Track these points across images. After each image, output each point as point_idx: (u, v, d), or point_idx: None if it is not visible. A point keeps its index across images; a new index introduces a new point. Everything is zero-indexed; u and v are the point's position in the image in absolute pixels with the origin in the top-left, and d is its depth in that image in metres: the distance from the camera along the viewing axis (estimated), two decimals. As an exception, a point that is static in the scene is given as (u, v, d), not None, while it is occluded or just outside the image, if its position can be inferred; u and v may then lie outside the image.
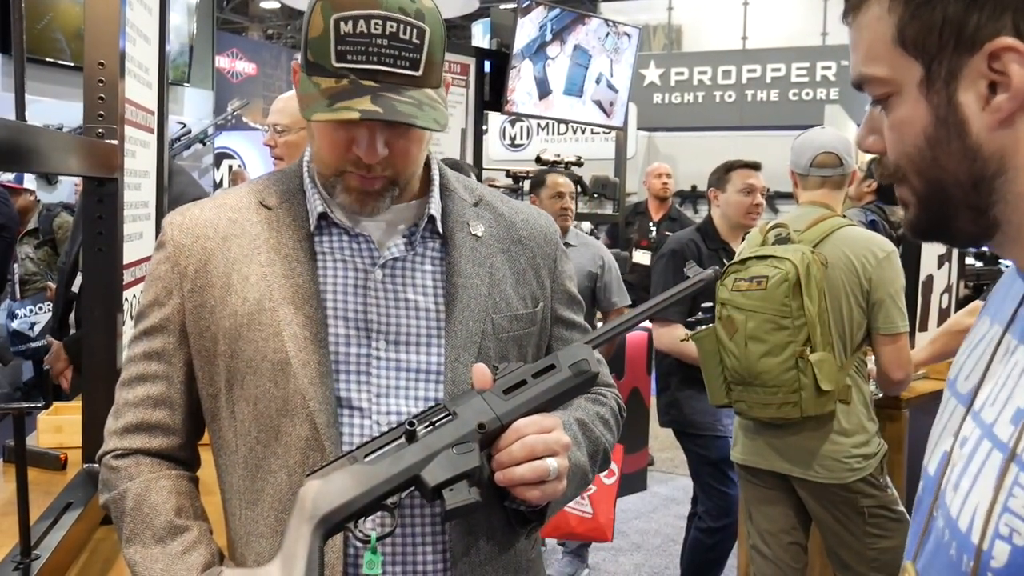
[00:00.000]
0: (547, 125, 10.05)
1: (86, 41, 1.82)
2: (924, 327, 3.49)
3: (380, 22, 1.03)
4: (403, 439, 1.04)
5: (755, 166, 3.45)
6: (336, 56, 1.05)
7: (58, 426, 2.09)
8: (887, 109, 0.77)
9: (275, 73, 12.13)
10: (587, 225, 7.21)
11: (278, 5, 16.17)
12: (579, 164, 5.82)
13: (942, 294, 3.67)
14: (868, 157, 4.99)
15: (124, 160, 1.87)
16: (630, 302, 4.05)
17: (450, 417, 1.05)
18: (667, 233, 5.86)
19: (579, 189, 5.80)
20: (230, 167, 9.60)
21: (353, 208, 1.14)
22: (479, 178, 4.77)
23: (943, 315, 3.66)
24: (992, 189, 0.73)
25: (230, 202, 1.20)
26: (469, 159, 5.09)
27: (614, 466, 3.44)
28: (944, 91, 0.73)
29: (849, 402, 2.54)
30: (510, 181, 5.88)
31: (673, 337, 3.24)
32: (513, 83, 5.29)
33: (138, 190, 2.08)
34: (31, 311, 4.09)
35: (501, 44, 5.44)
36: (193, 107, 8.66)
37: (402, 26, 1.04)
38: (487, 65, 5.30)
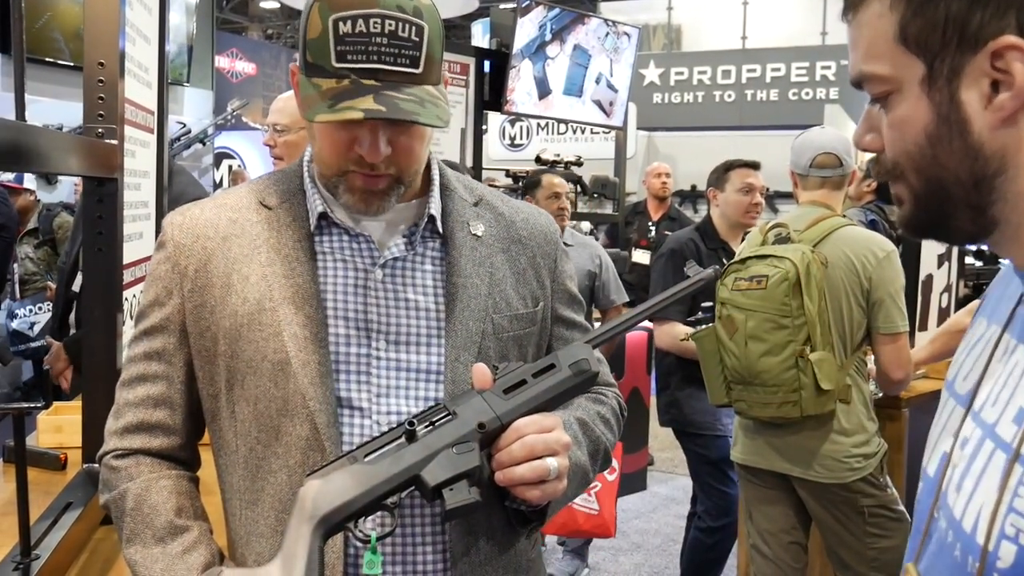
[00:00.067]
0: (547, 125, 10.05)
1: (86, 41, 1.82)
2: (924, 327, 3.49)
3: (379, 21, 1.03)
4: (403, 439, 1.04)
5: (754, 165, 3.45)
6: (336, 56, 1.05)
7: (58, 426, 2.09)
8: (886, 107, 0.77)
9: (275, 73, 12.12)
10: (587, 225, 7.21)
11: (278, 5, 16.17)
12: (579, 164, 5.82)
13: (942, 293, 3.67)
14: (868, 157, 4.99)
15: (124, 160, 1.87)
16: (627, 299, 4.06)
17: (450, 417, 1.05)
18: (666, 233, 5.85)
19: (579, 189, 5.81)
20: (230, 167, 9.60)
21: (358, 208, 1.14)
22: (477, 179, 4.77)
23: (943, 314, 3.66)
24: (992, 188, 0.73)
25: (230, 202, 1.20)
26: (469, 159, 5.09)
27: (614, 462, 3.45)
28: (946, 89, 0.72)
29: (849, 402, 2.54)
30: (510, 181, 5.88)
31: (674, 335, 3.24)
32: (513, 83, 5.29)
33: (138, 190, 2.08)
34: (31, 311, 4.09)
35: (501, 44, 5.44)
36: (193, 107, 8.65)
37: (401, 24, 1.04)
38: (487, 65, 5.30)
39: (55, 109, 5.66)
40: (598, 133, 8.81)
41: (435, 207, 1.19)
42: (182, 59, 8.40)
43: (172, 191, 2.70)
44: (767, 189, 3.66)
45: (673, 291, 1.17)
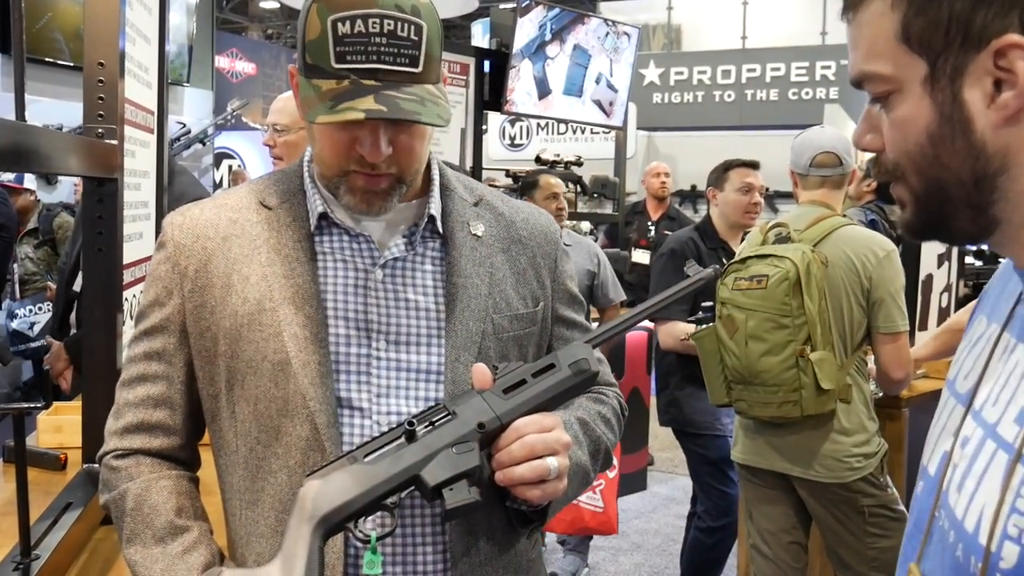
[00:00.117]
0: (547, 125, 10.05)
1: (86, 41, 1.82)
2: (924, 326, 3.49)
3: (378, 20, 1.03)
4: (403, 439, 1.04)
5: (753, 165, 3.44)
6: (336, 57, 1.04)
7: (58, 426, 2.09)
8: (887, 107, 0.76)
9: (275, 73, 12.12)
10: (587, 225, 7.20)
11: (278, 5, 16.17)
12: (579, 164, 5.82)
13: (942, 293, 3.67)
14: (867, 156, 4.99)
15: (124, 160, 1.87)
16: (625, 297, 4.08)
17: (450, 417, 1.05)
18: (666, 232, 5.85)
19: (579, 189, 5.80)
20: (230, 167, 9.60)
21: (360, 209, 1.14)
22: (477, 179, 4.77)
23: (943, 314, 3.66)
24: (994, 187, 0.73)
25: (230, 202, 1.20)
26: (469, 159, 5.09)
27: (614, 459, 3.48)
28: (949, 88, 0.72)
29: (849, 401, 2.54)
30: (510, 181, 5.87)
31: (675, 335, 3.24)
32: (513, 83, 5.29)
33: (138, 190, 2.07)
34: (31, 311, 4.09)
35: (501, 44, 5.44)
36: (193, 107, 8.65)
37: (399, 23, 1.04)
38: (487, 65, 5.29)
39: (55, 109, 5.66)
40: (598, 133, 8.81)
41: (435, 207, 1.19)
42: (182, 59, 8.40)
43: (173, 191, 2.70)
44: (767, 189, 3.66)
45: (673, 291, 1.17)
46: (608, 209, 6.30)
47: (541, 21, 5.39)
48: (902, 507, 2.57)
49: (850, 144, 2.72)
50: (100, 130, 1.82)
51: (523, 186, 4.05)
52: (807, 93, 12.09)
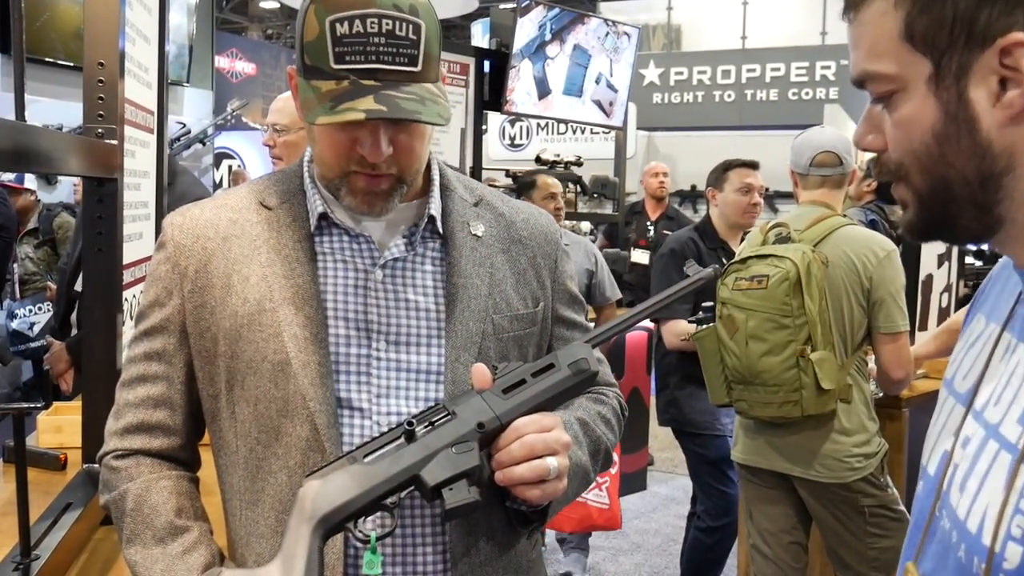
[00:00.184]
0: (547, 125, 10.04)
1: (86, 41, 1.82)
2: (924, 326, 3.49)
3: (376, 20, 1.03)
4: (402, 439, 1.04)
5: (753, 165, 3.44)
6: (334, 58, 1.04)
7: (58, 426, 2.09)
8: (890, 106, 0.76)
9: (275, 73, 12.11)
10: (587, 225, 7.20)
11: (277, 5, 16.17)
12: (579, 164, 5.81)
13: (942, 293, 3.68)
14: (868, 156, 4.99)
15: (124, 160, 1.87)
16: (620, 296, 4.09)
17: (449, 417, 1.05)
18: (665, 232, 5.85)
19: (579, 189, 5.80)
20: (230, 167, 9.59)
21: (361, 210, 1.14)
22: (477, 179, 4.78)
23: (943, 314, 3.66)
24: (999, 186, 0.72)
25: (230, 202, 1.20)
26: (469, 159, 5.09)
27: (614, 455, 3.53)
28: (954, 87, 0.71)
29: (850, 401, 2.54)
30: (510, 181, 5.87)
31: (677, 334, 3.24)
32: (513, 83, 5.28)
33: (138, 190, 2.07)
34: (31, 311, 4.09)
35: (500, 44, 5.43)
36: (193, 107, 8.65)
37: (398, 23, 1.04)
38: (487, 65, 5.29)
39: (55, 109, 5.66)
40: (598, 133, 8.81)
41: (435, 207, 1.19)
42: (182, 60, 8.39)
43: (175, 191, 2.71)
44: (766, 189, 3.66)
45: (672, 290, 1.16)
46: (608, 209, 6.30)
47: (541, 21, 5.39)
48: (902, 507, 2.57)
49: (850, 144, 2.72)
50: (100, 130, 1.82)
51: (520, 186, 4.05)
52: (807, 93, 12.09)
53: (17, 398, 3.91)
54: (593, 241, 5.48)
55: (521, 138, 10.60)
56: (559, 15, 5.49)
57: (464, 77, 5.15)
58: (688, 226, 3.85)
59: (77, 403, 2.10)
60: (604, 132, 7.89)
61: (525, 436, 1.05)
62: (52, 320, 3.75)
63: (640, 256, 6.05)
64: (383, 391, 1.13)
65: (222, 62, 10.83)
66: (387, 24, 1.03)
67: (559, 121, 6.71)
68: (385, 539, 1.05)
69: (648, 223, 6.27)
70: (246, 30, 17.25)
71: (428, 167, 1.21)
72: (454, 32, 14.84)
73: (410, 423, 1.04)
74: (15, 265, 5.02)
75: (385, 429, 1.10)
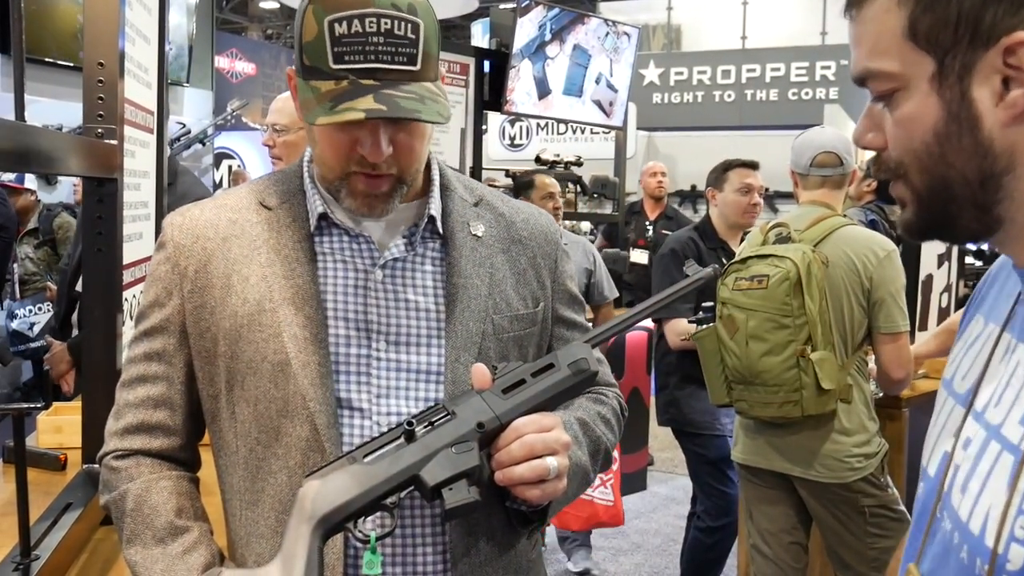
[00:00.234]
0: (547, 125, 10.04)
1: (86, 41, 1.82)
2: (924, 326, 3.49)
3: (374, 20, 1.03)
4: (402, 439, 1.04)
5: (753, 165, 3.44)
6: (333, 58, 1.04)
7: (58, 426, 2.09)
8: (891, 105, 0.75)
9: (274, 73, 12.11)
10: (587, 225, 7.19)
11: (277, 5, 16.17)
12: (579, 164, 5.81)
13: (942, 293, 3.68)
14: (868, 156, 4.99)
15: (124, 160, 1.87)
16: (617, 294, 4.09)
17: (449, 417, 1.05)
18: (663, 232, 5.84)
19: (579, 189, 5.80)
20: (230, 167, 9.59)
21: (361, 212, 1.14)
22: (477, 179, 4.78)
23: (943, 314, 3.66)
24: (1000, 186, 0.72)
25: (230, 202, 1.20)
26: (469, 159, 5.09)
27: (615, 456, 3.58)
28: (957, 86, 0.71)
29: (850, 401, 2.54)
30: (510, 181, 5.87)
31: (680, 332, 3.24)
32: (512, 83, 5.28)
33: (138, 190, 2.07)
34: (31, 311, 4.09)
35: (500, 44, 5.43)
36: (193, 107, 8.65)
37: (396, 22, 1.04)
38: (486, 65, 5.29)
39: (55, 109, 5.66)
40: (598, 133, 8.81)
41: (435, 207, 1.19)
42: (180, 61, 8.39)
43: (177, 190, 2.71)
44: (766, 189, 3.66)
45: (672, 290, 1.16)
46: (608, 209, 6.30)
47: (541, 21, 5.39)
48: (903, 507, 2.57)
49: (851, 144, 2.72)
50: (100, 130, 1.82)
51: (518, 186, 4.04)
52: (807, 93, 12.09)
53: (17, 398, 3.91)
54: (592, 242, 5.47)
55: (521, 138, 10.60)
56: (559, 15, 5.49)
57: (464, 77, 5.14)
58: (688, 226, 3.85)
59: (77, 403, 2.10)
60: (604, 132, 7.89)
61: (525, 436, 1.05)
62: (52, 320, 3.75)
63: (639, 256, 6.04)
64: (383, 391, 1.13)
65: (222, 62, 10.83)
66: (386, 23, 1.03)
67: (559, 121, 6.71)
68: (385, 539, 1.05)
69: (647, 223, 6.26)
70: (246, 30, 17.25)
71: (428, 167, 1.21)
72: (454, 32, 14.84)
73: (410, 423, 1.04)
74: (15, 265, 5.02)
75: (385, 429, 1.10)
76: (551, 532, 4.22)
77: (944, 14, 0.70)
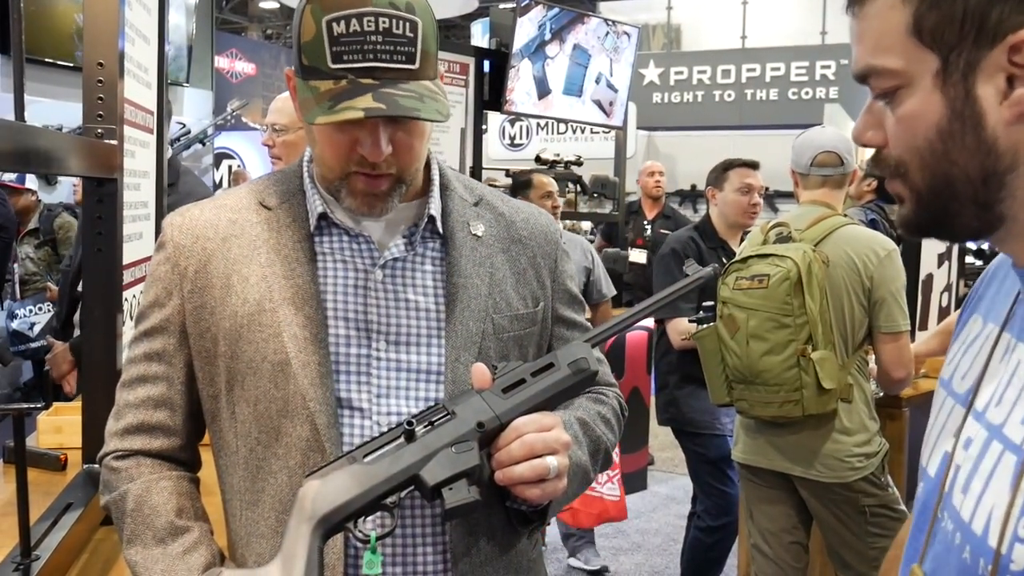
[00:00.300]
0: (547, 124, 10.05)
1: (85, 41, 1.82)
2: (924, 326, 3.49)
3: (372, 19, 1.03)
4: (402, 439, 1.04)
5: (753, 165, 3.44)
6: (332, 57, 1.04)
7: (58, 427, 2.09)
8: (894, 102, 0.75)
9: (274, 73, 12.12)
10: (587, 224, 7.19)
11: (277, 5, 16.16)
12: (579, 163, 5.81)
13: (942, 293, 3.68)
14: (869, 156, 4.98)
15: (124, 160, 1.87)
16: (615, 292, 4.09)
17: (449, 416, 1.05)
18: (662, 231, 5.84)
19: (579, 189, 5.80)
20: (230, 167, 9.60)
21: (361, 211, 1.13)
22: (477, 179, 4.78)
23: (943, 313, 3.66)
24: (1002, 184, 0.72)
25: (230, 203, 1.20)
26: (469, 159, 5.09)
27: (615, 454, 3.65)
28: (962, 84, 0.71)
29: (851, 401, 2.54)
30: (510, 181, 5.86)
31: (681, 332, 3.24)
32: (512, 83, 5.28)
33: (138, 190, 2.07)
34: (31, 311, 4.09)
35: (500, 44, 5.43)
36: (192, 107, 8.65)
37: (394, 20, 1.04)
38: (486, 65, 5.29)
39: (55, 109, 5.66)
40: (598, 133, 8.81)
41: (435, 207, 1.19)
42: (179, 62, 8.38)
43: (180, 190, 2.71)
44: (766, 189, 3.66)
45: (672, 290, 1.16)
46: (608, 209, 6.30)
47: (541, 21, 5.39)
48: (903, 507, 2.57)
49: (851, 144, 2.72)
50: (100, 130, 1.81)
51: (516, 185, 4.04)
52: (807, 93, 12.09)
53: (17, 398, 3.91)
54: (591, 243, 5.47)
55: (521, 138, 10.60)
56: (559, 15, 5.49)
57: (464, 77, 5.14)
58: (688, 225, 3.84)
59: (77, 403, 2.10)
60: (604, 132, 7.89)
61: (525, 435, 1.04)
62: (53, 320, 3.75)
63: (637, 255, 6.04)
64: (383, 391, 1.13)
65: (222, 62, 10.83)
66: (384, 22, 1.03)
67: (559, 121, 6.71)
68: (385, 539, 1.05)
69: (645, 222, 6.26)
70: (246, 30, 17.26)
71: (428, 167, 1.21)
72: (454, 32, 14.84)
73: (410, 423, 1.04)
74: (15, 265, 5.02)
75: (385, 429, 1.10)
76: (551, 531, 4.22)
77: (950, 11, 0.70)
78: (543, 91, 5.51)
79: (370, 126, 1.07)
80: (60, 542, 1.49)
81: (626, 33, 5.96)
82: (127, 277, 1.94)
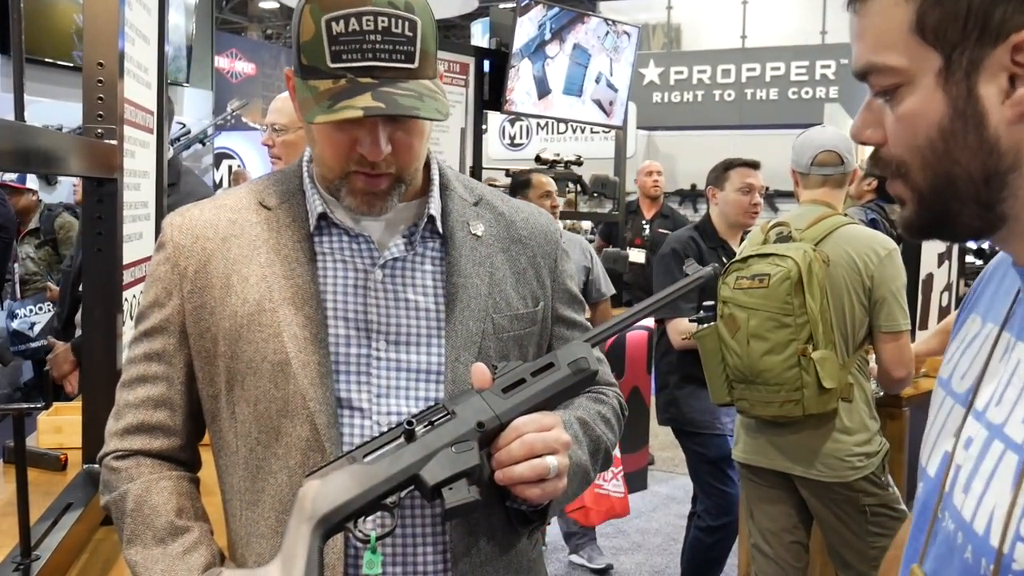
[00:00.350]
0: (547, 124, 10.04)
1: (85, 41, 1.82)
2: (924, 325, 3.49)
3: (371, 18, 1.03)
4: (402, 439, 1.04)
5: (754, 165, 3.44)
6: (331, 57, 1.04)
7: (58, 427, 2.09)
8: (894, 100, 0.74)
9: (274, 73, 12.12)
10: (587, 224, 7.18)
11: (277, 5, 16.16)
12: (579, 163, 5.80)
13: (942, 292, 3.68)
14: (869, 155, 4.98)
15: (124, 160, 1.87)
16: (614, 291, 4.10)
17: (449, 416, 1.05)
18: (660, 231, 5.84)
19: (579, 188, 5.80)
20: (230, 167, 9.60)
21: (360, 211, 1.13)
22: (477, 179, 4.78)
23: (943, 313, 3.66)
24: (1004, 184, 0.71)
25: (230, 203, 1.20)
26: (469, 159, 5.08)
27: (615, 454, 3.68)
28: (964, 82, 0.70)
29: (851, 400, 2.54)
30: (510, 181, 5.86)
31: (681, 331, 3.24)
32: (512, 82, 5.28)
33: (138, 190, 2.07)
34: (31, 311, 4.09)
35: (500, 43, 5.42)
36: (192, 107, 8.65)
37: (393, 20, 1.04)
38: (486, 64, 5.28)
39: (55, 109, 5.65)
40: (598, 132, 8.80)
41: (435, 207, 1.19)
42: (179, 62, 8.38)
43: (181, 190, 2.71)
44: (767, 188, 3.66)
45: (672, 289, 1.16)
46: (608, 208, 6.30)
47: (541, 20, 5.38)
48: (904, 506, 2.57)
49: (851, 143, 2.72)
50: (100, 130, 1.81)
51: (515, 185, 4.04)
52: (807, 92, 12.09)
53: (17, 398, 3.91)
54: (591, 243, 5.48)
55: (521, 138, 10.60)
56: (559, 14, 5.48)
57: (464, 77, 5.14)
58: (688, 225, 3.84)
59: (77, 403, 2.10)
60: (604, 131, 7.88)
61: (525, 435, 1.04)
62: (54, 321, 3.75)
63: (636, 255, 6.04)
64: (383, 391, 1.13)
65: (222, 62, 10.83)
66: (383, 21, 1.03)
67: (559, 121, 6.71)
68: (385, 539, 1.05)
69: (643, 222, 6.26)
70: (246, 30, 17.26)
71: (427, 166, 1.21)
72: (454, 32, 14.84)
73: (410, 423, 1.04)
74: (15, 265, 5.02)
75: (385, 429, 1.10)
76: (552, 531, 4.22)
77: (953, 9, 0.70)
78: (543, 91, 5.51)
79: (369, 125, 1.07)
80: (60, 542, 1.49)
81: (626, 33, 5.96)
82: (127, 277, 1.94)
